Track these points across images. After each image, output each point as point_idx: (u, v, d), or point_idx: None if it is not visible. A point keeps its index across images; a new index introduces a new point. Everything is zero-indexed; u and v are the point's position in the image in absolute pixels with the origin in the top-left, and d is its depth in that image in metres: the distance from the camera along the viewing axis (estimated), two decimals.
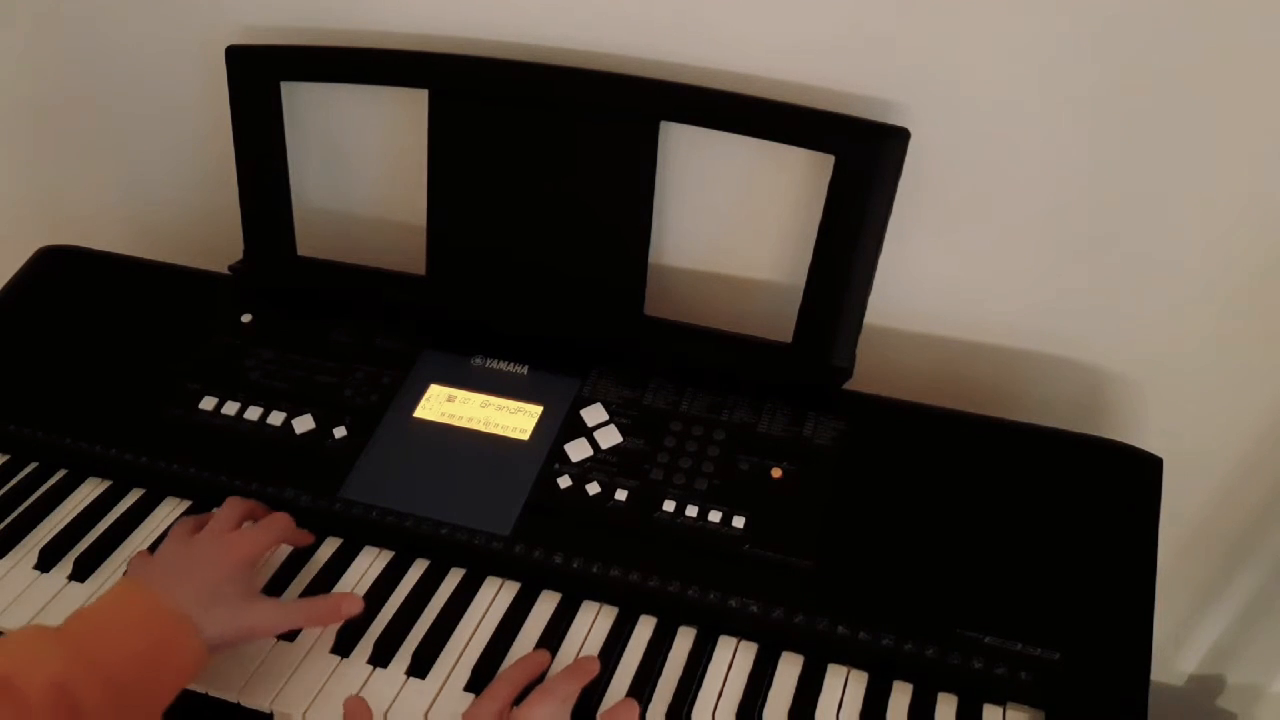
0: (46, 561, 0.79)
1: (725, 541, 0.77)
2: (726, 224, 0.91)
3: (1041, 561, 0.75)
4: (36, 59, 1.04)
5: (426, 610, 0.76)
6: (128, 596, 0.68)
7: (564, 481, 0.81)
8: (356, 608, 0.73)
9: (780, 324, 0.87)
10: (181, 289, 0.98)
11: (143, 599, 0.68)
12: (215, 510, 0.78)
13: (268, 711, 0.70)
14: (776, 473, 0.80)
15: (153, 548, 0.80)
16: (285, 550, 0.80)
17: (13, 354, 0.94)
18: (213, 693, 0.71)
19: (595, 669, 0.71)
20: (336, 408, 0.87)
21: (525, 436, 0.84)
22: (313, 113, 0.95)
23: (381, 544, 0.81)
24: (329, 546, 0.81)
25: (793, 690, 0.72)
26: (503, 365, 0.89)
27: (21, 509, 0.83)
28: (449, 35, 0.89)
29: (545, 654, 0.72)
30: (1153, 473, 0.80)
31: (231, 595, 0.70)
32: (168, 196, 1.11)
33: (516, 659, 0.72)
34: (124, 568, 0.78)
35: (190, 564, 0.71)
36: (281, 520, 0.77)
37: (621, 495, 0.80)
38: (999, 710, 0.71)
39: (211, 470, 0.83)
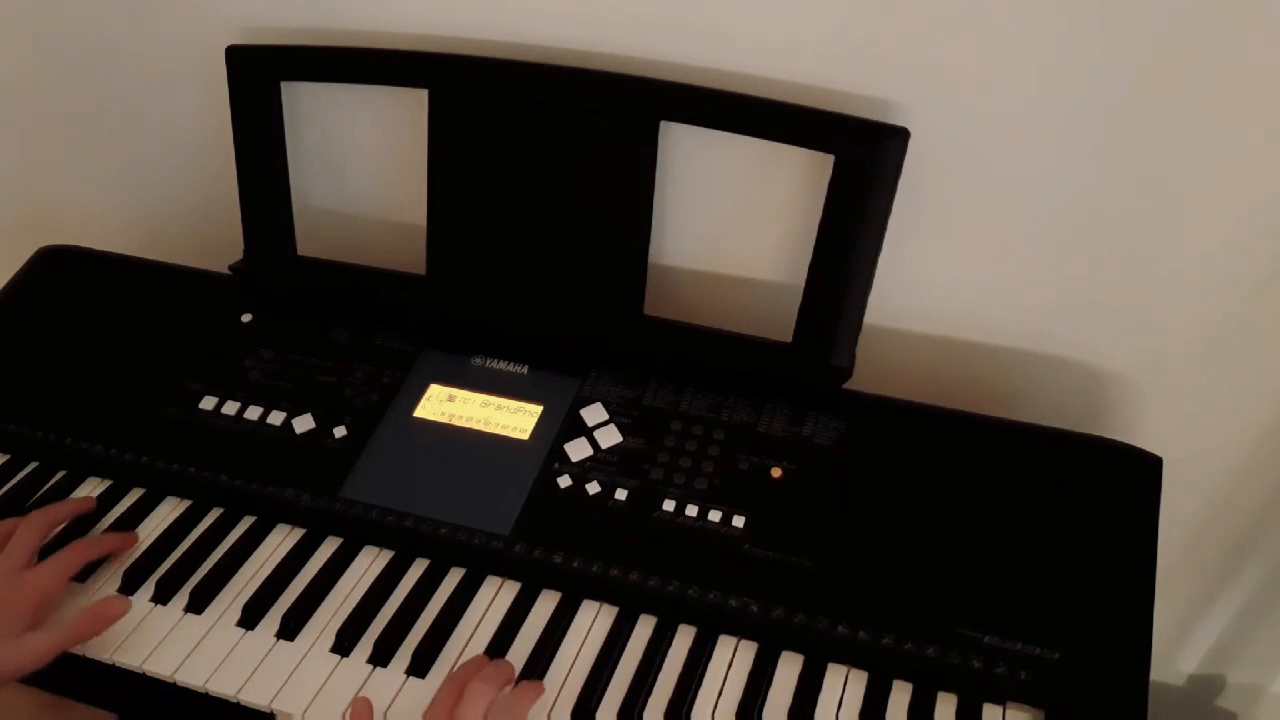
0: None
1: (725, 541, 0.77)
2: (726, 224, 0.91)
3: (1041, 561, 0.75)
4: (37, 59, 1.04)
5: (426, 610, 0.76)
6: None
7: (564, 481, 0.81)
8: (122, 607, 0.73)
9: (780, 324, 0.87)
10: (181, 289, 0.98)
11: None
12: (17, 521, 0.76)
13: (268, 711, 0.70)
14: (776, 473, 0.81)
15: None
16: (283, 552, 0.80)
17: (13, 354, 0.94)
18: (213, 692, 0.71)
19: (540, 691, 0.71)
20: (336, 408, 0.87)
21: (525, 436, 0.84)
22: (313, 113, 0.95)
23: (381, 544, 0.81)
24: (329, 546, 0.81)
25: (792, 690, 0.72)
26: (503, 365, 0.89)
27: (21, 509, 0.83)
28: (449, 35, 0.89)
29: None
30: (1153, 473, 0.80)
31: (3, 636, 0.69)
32: (168, 196, 1.11)
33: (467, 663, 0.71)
34: (123, 570, 0.78)
35: None
36: (85, 549, 0.76)
37: (621, 495, 0.80)
38: (999, 710, 0.71)
39: (211, 470, 0.83)
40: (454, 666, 0.72)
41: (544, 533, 0.78)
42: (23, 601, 0.71)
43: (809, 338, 0.85)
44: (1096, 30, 0.74)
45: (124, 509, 0.83)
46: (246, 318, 0.94)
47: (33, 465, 0.87)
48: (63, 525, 0.80)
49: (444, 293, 0.92)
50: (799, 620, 0.73)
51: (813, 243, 0.83)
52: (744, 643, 0.74)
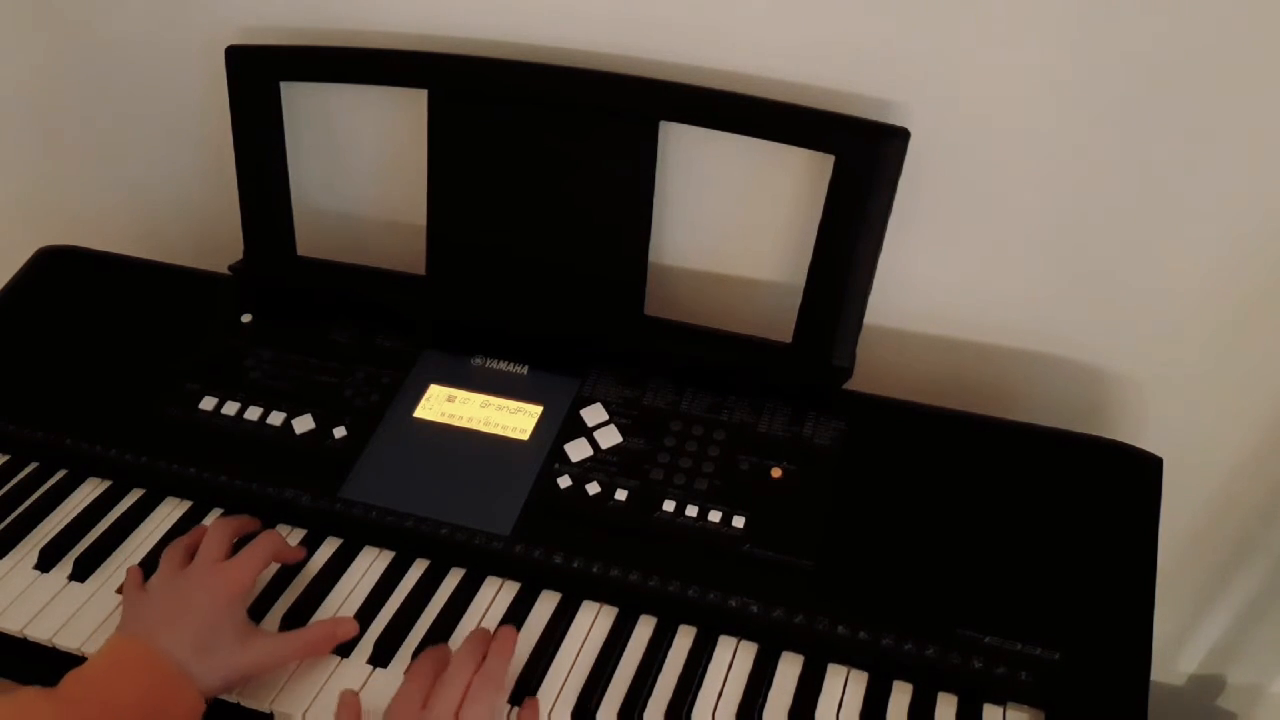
0: (47, 561, 0.79)
1: (725, 541, 0.77)
2: (726, 223, 0.91)
3: (1041, 561, 0.75)
4: (37, 59, 1.04)
5: (426, 610, 0.76)
6: (123, 653, 0.67)
7: (564, 481, 0.81)
8: (351, 630, 0.73)
9: (780, 324, 0.87)
10: (181, 289, 0.98)
11: (138, 656, 0.66)
12: (206, 526, 0.77)
13: (268, 711, 0.70)
14: (776, 473, 0.80)
15: (147, 563, 0.78)
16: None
17: (13, 354, 0.94)
18: None
19: (513, 637, 0.72)
20: (336, 408, 0.87)
21: (525, 436, 0.84)
22: (313, 113, 0.95)
23: (381, 544, 0.81)
24: (329, 546, 0.81)
25: (793, 690, 0.72)
26: (503, 365, 0.89)
27: (21, 509, 0.83)
28: (449, 35, 0.89)
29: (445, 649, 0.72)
30: (1153, 473, 0.80)
31: (227, 638, 0.69)
32: (168, 196, 1.11)
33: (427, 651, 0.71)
34: (124, 569, 0.78)
35: (183, 605, 0.69)
36: (270, 541, 0.76)
37: (621, 495, 0.80)
38: (999, 710, 0.71)
39: (211, 470, 0.83)
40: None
41: (544, 533, 0.78)
42: (229, 599, 0.70)
43: (809, 338, 0.85)
44: (1097, 31, 0.74)
45: (124, 509, 0.83)
46: (246, 318, 0.94)
47: (33, 465, 0.87)
48: (242, 532, 0.78)
49: (444, 293, 0.92)
50: (799, 620, 0.73)
51: (813, 243, 0.83)
52: (744, 643, 0.74)
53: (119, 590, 0.76)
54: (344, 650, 0.73)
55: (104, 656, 0.67)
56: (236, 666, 0.69)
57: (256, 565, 0.74)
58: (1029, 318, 0.90)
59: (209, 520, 0.82)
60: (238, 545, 0.77)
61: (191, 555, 0.74)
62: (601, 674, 0.72)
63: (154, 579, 0.73)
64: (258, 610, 0.76)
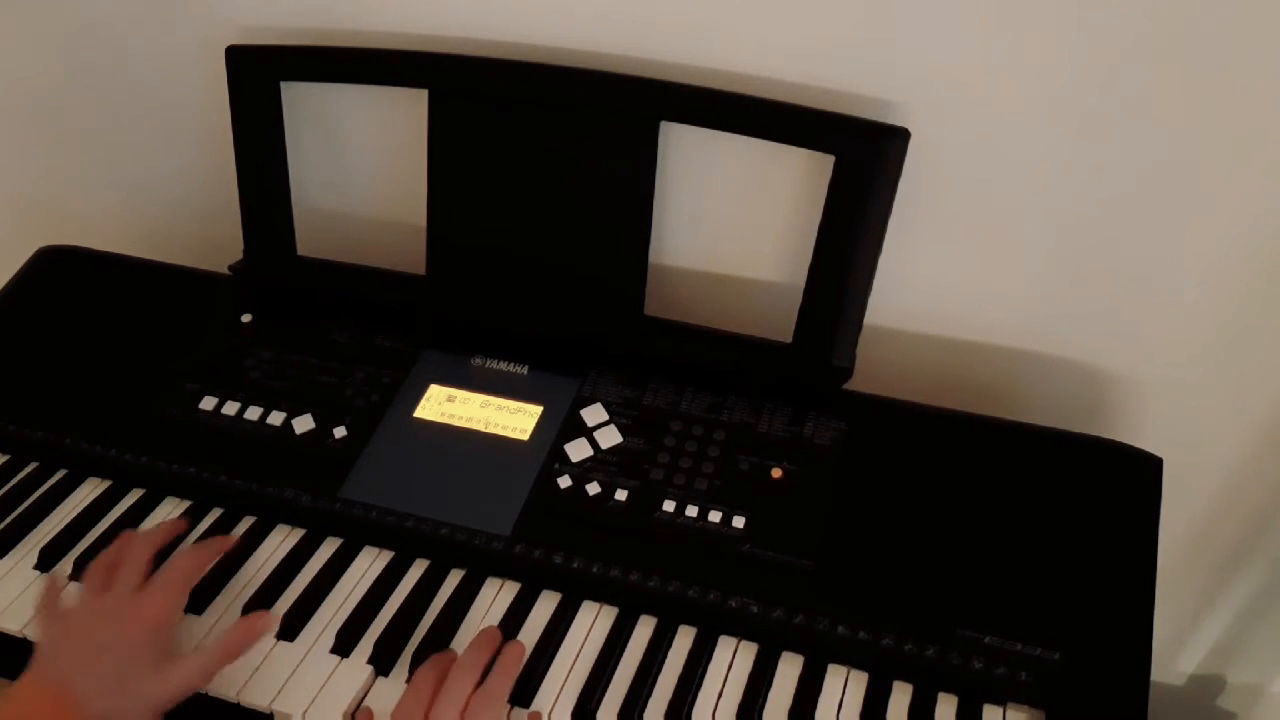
0: (47, 561, 0.79)
1: (725, 541, 0.77)
2: (727, 224, 0.91)
3: (1041, 561, 0.75)
4: (37, 59, 1.04)
5: (427, 611, 0.76)
6: (32, 703, 0.65)
7: (564, 481, 0.81)
8: (268, 624, 0.71)
9: (780, 324, 0.87)
10: (181, 289, 0.98)
11: (47, 709, 0.64)
12: (132, 537, 0.75)
13: (268, 711, 0.70)
14: (776, 473, 0.80)
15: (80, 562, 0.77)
16: (283, 552, 0.80)
17: (13, 354, 0.94)
18: (213, 693, 0.71)
19: (521, 655, 0.71)
20: (336, 408, 0.87)
21: (525, 436, 0.84)
22: (313, 113, 0.95)
23: (381, 544, 0.81)
24: (329, 546, 0.81)
25: (793, 690, 0.72)
26: (503, 365, 0.89)
27: (21, 509, 0.83)
28: (449, 35, 0.89)
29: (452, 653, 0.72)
30: (1153, 473, 0.80)
31: (145, 672, 0.67)
32: (168, 196, 1.11)
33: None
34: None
35: (99, 643, 0.67)
36: (187, 560, 0.73)
37: (621, 495, 0.80)
38: (999, 710, 0.71)
39: (211, 470, 0.83)
40: None
41: (544, 533, 0.78)
42: (151, 628, 0.69)
43: (809, 338, 0.85)
44: (1097, 31, 0.74)
45: (124, 509, 0.83)
46: (246, 318, 0.94)
47: (33, 465, 0.87)
48: (162, 547, 0.77)
49: (444, 293, 0.92)
50: (799, 621, 0.73)
51: (813, 243, 0.83)
52: (744, 643, 0.74)
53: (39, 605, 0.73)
54: (344, 650, 0.73)
55: (12, 703, 0.65)
56: (157, 699, 0.67)
57: (176, 589, 0.72)
58: (1029, 318, 0.90)
59: (208, 520, 0.82)
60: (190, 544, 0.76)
61: (115, 574, 0.72)
62: (601, 674, 0.72)
63: (73, 607, 0.71)
64: (256, 611, 0.75)
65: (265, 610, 0.73)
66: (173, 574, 0.72)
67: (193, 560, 0.74)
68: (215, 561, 0.77)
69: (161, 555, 0.77)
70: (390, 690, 0.71)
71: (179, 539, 0.80)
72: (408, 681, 0.71)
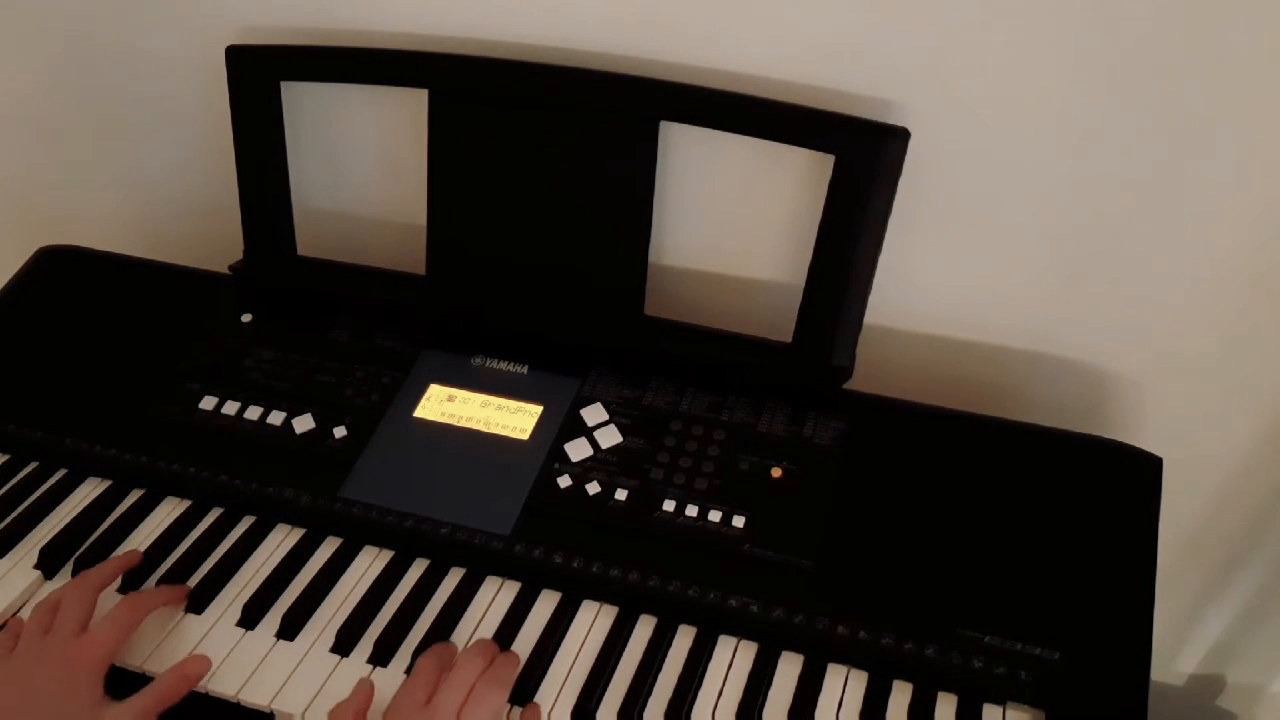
0: (47, 561, 0.79)
1: (725, 541, 0.77)
2: (726, 224, 0.91)
3: (1041, 561, 0.75)
4: (37, 59, 1.04)
5: (426, 610, 0.76)
6: None
7: (564, 481, 0.81)
8: (202, 667, 0.71)
9: (780, 324, 0.87)
10: (181, 289, 0.98)
11: None
12: (69, 586, 0.73)
13: (268, 711, 0.70)
14: (776, 473, 0.81)
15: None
16: (283, 552, 0.80)
17: (13, 354, 0.94)
18: (213, 693, 0.71)
19: (518, 661, 0.71)
20: (336, 408, 0.87)
21: (525, 436, 0.84)
22: (313, 113, 0.95)
23: (381, 544, 0.81)
24: (329, 546, 0.81)
25: (793, 690, 0.72)
26: (503, 365, 0.89)
27: (21, 509, 0.83)
28: (449, 35, 0.89)
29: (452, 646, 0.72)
30: (1153, 473, 0.80)
31: (79, 717, 0.66)
32: (168, 196, 1.11)
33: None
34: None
35: (34, 693, 0.66)
36: (131, 605, 0.72)
37: (621, 495, 0.80)
38: (999, 710, 0.71)
39: (211, 470, 0.83)
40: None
41: (544, 533, 0.78)
42: (86, 672, 0.68)
43: (809, 338, 0.85)
44: (1097, 31, 0.74)
45: (124, 509, 0.83)
46: (246, 318, 0.94)
47: (33, 465, 0.87)
48: (111, 584, 0.76)
49: (444, 293, 0.92)
50: (799, 620, 0.73)
51: (813, 243, 0.83)
52: (744, 643, 0.74)
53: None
54: (344, 650, 0.73)
55: None
56: None
57: (117, 634, 0.70)
58: (1029, 318, 0.90)
59: (207, 520, 0.82)
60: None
61: (57, 615, 0.71)
62: (601, 674, 0.72)
63: (14, 655, 0.70)
64: (255, 613, 0.75)
65: (202, 655, 0.72)
66: (118, 618, 0.71)
67: (138, 605, 0.73)
68: (161, 606, 0.75)
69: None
70: (388, 682, 0.71)
71: (136, 571, 0.77)
72: (405, 672, 0.71)
